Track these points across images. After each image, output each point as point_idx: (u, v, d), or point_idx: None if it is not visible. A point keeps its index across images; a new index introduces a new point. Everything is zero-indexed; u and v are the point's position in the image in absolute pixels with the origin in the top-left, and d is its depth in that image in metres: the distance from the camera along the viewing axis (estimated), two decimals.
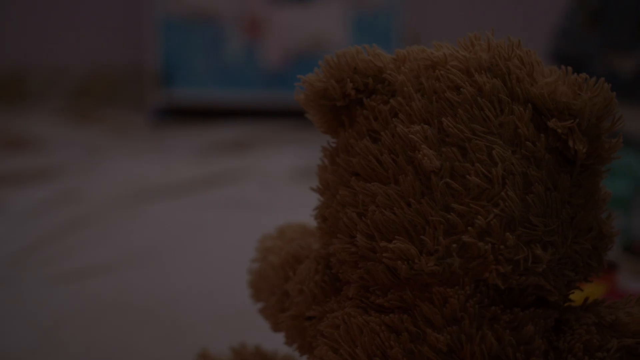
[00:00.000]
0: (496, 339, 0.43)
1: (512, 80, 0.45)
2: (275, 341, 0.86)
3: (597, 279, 0.54)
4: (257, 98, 2.54)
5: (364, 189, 0.46)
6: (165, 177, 1.70)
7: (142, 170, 1.79)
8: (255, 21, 2.49)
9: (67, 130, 2.34)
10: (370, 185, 0.46)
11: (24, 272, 1.09)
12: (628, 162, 1.34)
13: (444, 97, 0.45)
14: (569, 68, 0.45)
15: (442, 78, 0.46)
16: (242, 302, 0.99)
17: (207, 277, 1.08)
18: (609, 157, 0.45)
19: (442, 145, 0.44)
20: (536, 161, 0.44)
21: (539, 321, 0.44)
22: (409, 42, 2.45)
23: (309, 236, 0.61)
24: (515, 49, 0.46)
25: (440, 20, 2.86)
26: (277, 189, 1.63)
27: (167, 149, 2.10)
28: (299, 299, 0.52)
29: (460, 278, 0.43)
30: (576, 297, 0.64)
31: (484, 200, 0.43)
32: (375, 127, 0.47)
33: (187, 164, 1.86)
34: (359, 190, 0.46)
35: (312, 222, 1.06)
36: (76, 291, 1.01)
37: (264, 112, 2.64)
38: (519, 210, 0.43)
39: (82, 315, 0.93)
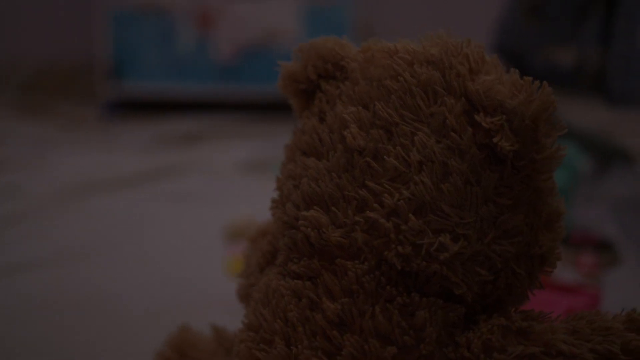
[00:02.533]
0: (386, 318, 0.43)
1: (451, 74, 0.46)
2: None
3: None
4: (209, 91, 2.53)
5: (303, 163, 0.48)
6: (111, 171, 1.69)
7: (88, 164, 1.77)
8: (207, 14, 2.48)
9: (16, 124, 2.31)
10: (307, 159, 0.48)
11: None
12: (568, 153, 1.36)
13: (383, 84, 0.47)
14: (515, 69, 0.46)
15: (386, 67, 0.47)
16: (176, 296, 0.99)
17: (144, 272, 1.07)
18: (547, 164, 0.45)
19: (372, 128, 0.46)
20: (460, 153, 0.44)
21: (437, 311, 0.44)
22: (361, 35, 2.47)
23: None
24: (464, 46, 0.47)
25: (393, 13, 2.87)
26: (223, 182, 1.63)
27: (116, 143, 2.08)
28: (252, 269, 0.56)
29: (363, 254, 0.45)
30: None
31: (399, 183, 0.44)
32: (324, 108, 0.49)
33: (134, 157, 1.85)
34: (299, 164, 0.48)
35: (259, 215, 1.05)
36: (5, 287, 1.00)
37: (216, 105, 2.63)
38: (432, 196, 0.43)
39: (10, 312, 0.92)
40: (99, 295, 0.98)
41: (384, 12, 2.84)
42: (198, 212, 1.39)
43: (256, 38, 2.48)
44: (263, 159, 1.80)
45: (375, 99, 0.46)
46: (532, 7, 1.51)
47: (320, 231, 0.45)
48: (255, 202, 1.47)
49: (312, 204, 0.46)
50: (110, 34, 2.48)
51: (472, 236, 0.44)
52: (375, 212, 0.44)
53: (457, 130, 0.44)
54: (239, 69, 2.50)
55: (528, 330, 0.44)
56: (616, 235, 1.26)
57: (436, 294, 0.45)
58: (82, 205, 1.43)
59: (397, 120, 0.45)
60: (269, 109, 2.62)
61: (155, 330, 0.87)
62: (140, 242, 1.22)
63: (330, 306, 0.44)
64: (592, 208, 1.43)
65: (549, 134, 0.44)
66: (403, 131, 0.45)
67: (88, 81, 2.74)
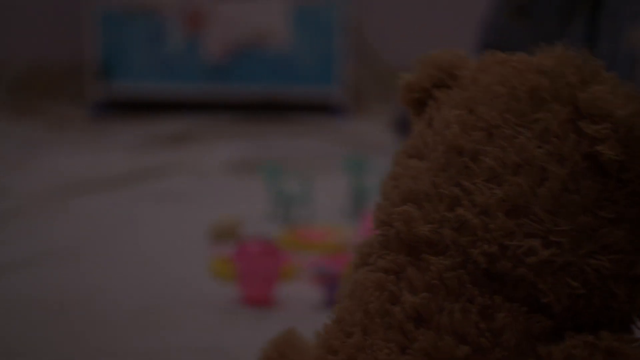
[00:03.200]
0: (464, 317, 0.43)
1: (561, 82, 0.46)
2: (192, 336, 0.86)
3: None
4: (198, 92, 2.53)
5: (405, 164, 0.49)
6: (99, 171, 1.69)
7: (76, 164, 1.77)
8: (196, 14, 2.48)
9: (5, 124, 2.31)
10: (410, 160, 0.49)
11: None
12: None
13: (491, 88, 0.47)
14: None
15: (496, 74, 0.48)
16: (160, 295, 0.99)
17: (129, 271, 1.07)
18: None
19: (474, 130, 0.46)
20: (561, 159, 0.43)
21: (519, 318, 0.43)
22: (350, 34, 2.46)
23: None
24: (579, 59, 0.48)
25: (382, 12, 2.88)
26: (209, 182, 1.63)
27: (105, 143, 2.08)
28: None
29: (449, 250, 0.45)
30: None
31: (494, 184, 0.44)
32: (433, 115, 0.50)
33: (122, 157, 1.85)
34: (402, 166, 0.50)
35: (244, 215, 1.05)
36: None
37: (205, 105, 2.63)
38: (526, 199, 0.43)
39: None
40: (83, 295, 0.98)
41: (374, 12, 2.84)
42: (184, 213, 1.40)
43: (245, 38, 2.49)
44: (250, 160, 1.80)
45: (481, 103, 0.47)
46: (518, 6, 1.51)
47: (411, 226, 0.46)
48: (241, 202, 1.48)
49: (407, 201, 0.47)
50: (99, 34, 2.48)
51: (565, 245, 0.43)
52: (465, 209, 0.44)
53: (559, 137, 0.44)
54: (228, 69, 2.51)
55: (618, 351, 0.42)
56: None
57: (522, 301, 0.44)
58: (69, 205, 1.43)
59: (499, 123, 0.45)
60: (257, 109, 2.62)
61: (138, 329, 0.88)
62: (126, 242, 1.22)
63: (409, 299, 0.44)
64: None
65: None
66: (504, 134, 0.45)
67: (77, 81, 2.74)
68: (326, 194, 1.51)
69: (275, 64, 2.50)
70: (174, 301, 0.97)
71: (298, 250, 1.19)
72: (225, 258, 1.10)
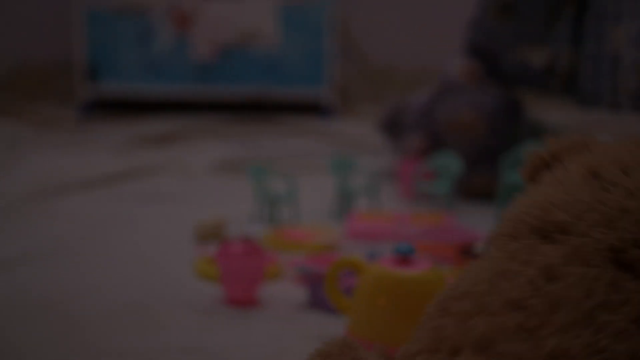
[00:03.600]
0: (595, 279, 0.46)
1: None
2: (174, 336, 0.86)
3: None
4: (186, 92, 2.53)
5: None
6: (85, 171, 1.68)
7: (63, 164, 1.77)
8: (184, 14, 2.48)
9: None
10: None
11: None
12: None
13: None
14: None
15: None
16: (143, 296, 0.98)
17: (112, 272, 1.06)
18: None
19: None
20: None
21: None
22: (338, 35, 2.46)
23: None
24: None
25: (369, 12, 2.88)
26: (195, 182, 1.63)
27: (92, 143, 2.07)
28: None
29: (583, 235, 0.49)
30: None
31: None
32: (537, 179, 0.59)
33: (109, 158, 1.84)
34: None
35: (229, 216, 1.03)
36: None
37: (192, 105, 2.63)
38: None
39: None
40: (65, 295, 0.97)
41: (361, 13, 2.84)
42: (170, 213, 1.39)
43: (234, 38, 2.48)
44: (237, 160, 1.80)
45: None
46: (504, 6, 1.51)
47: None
48: (227, 202, 1.48)
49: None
50: (88, 34, 2.47)
51: None
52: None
53: None
54: (216, 69, 2.50)
55: None
56: None
57: None
58: (54, 205, 1.43)
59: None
60: (245, 110, 2.62)
61: (119, 329, 0.87)
62: (110, 243, 1.21)
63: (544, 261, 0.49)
64: None
65: None
66: None
67: (65, 81, 2.74)
68: (312, 194, 1.51)
69: (263, 64, 2.50)
70: (157, 301, 0.96)
71: (284, 251, 1.18)
72: (210, 258, 1.09)
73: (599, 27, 1.34)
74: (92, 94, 2.51)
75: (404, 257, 0.84)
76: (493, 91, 1.53)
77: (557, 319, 0.45)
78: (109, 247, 1.19)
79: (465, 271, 0.54)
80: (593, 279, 0.47)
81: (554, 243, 0.50)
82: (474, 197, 1.51)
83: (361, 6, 2.86)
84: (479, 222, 1.32)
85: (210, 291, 1.00)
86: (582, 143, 0.61)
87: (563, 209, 0.52)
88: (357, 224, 1.29)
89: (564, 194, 0.54)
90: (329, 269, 0.88)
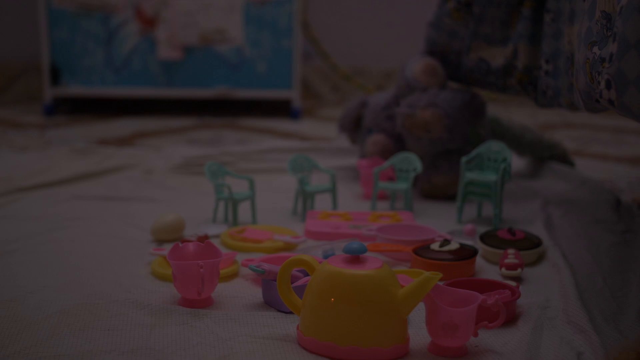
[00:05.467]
0: None
1: None
2: (122, 337, 0.85)
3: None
4: (151, 92, 2.51)
5: None
6: (45, 171, 1.66)
7: (24, 164, 1.74)
8: (150, 14, 2.46)
9: None
10: None
11: None
12: (498, 151, 1.37)
13: None
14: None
15: None
16: (92, 297, 0.97)
17: (63, 272, 1.04)
18: None
19: None
20: None
21: None
22: (305, 36, 2.45)
23: None
24: None
25: (330, 10, 2.88)
26: (156, 182, 1.61)
27: (55, 143, 2.05)
28: None
29: None
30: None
31: None
32: None
33: (70, 158, 1.82)
34: None
35: (185, 215, 1.02)
36: None
37: (158, 105, 2.61)
38: None
39: None
40: (15, 295, 0.96)
41: (323, 8, 2.85)
42: (129, 213, 1.38)
43: (199, 37, 2.47)
44: (200, 160, 1.79)
45: None
46: (464, 6, 1.51)
47: None
48: (187, 203, 1.47)
49: None
50: (52, 35, 2.45)
51: None
52: None
53: None
54: (180, 69, 2.49)
55: None
56: (544, 232, 1.27)
57: None
58: (12, 204, 1.41)
59: None
60: (210, 110, 2.61)
61: (67, 331, 0.86)
62: (66, 243, 1.20)
63: None
64: (524, 206, 1.45)
65: None
66: None
67: (30, 83, 2.71)
68: (273, 195, 1.51)
69: (229, 64, 2.49)
70: (108, 301, 0.95)
71: (242, 251, 1.18)
72: (164, 259, 1.08)
73: (555, 26, 1.35)
74: (57, 94, 2.49)
75: (354, 256, 0.84)
76: (453, 91, 1.53)
77: None
78: (65, 247, 1.18)
79: None
80: None
81: None
82: (433, 197, 1.51)
83: (328, 8, 2.86)
84: (438, 222, 1.33)
85: (163, 291, 1.00)
86: None
87: None
88: (316, 224, 1.29)
89: None
90: (280, 268, 0.88)
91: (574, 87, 1.13)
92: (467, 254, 1.10)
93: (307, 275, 0.98)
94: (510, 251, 1.12)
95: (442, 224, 1.32)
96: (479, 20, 1.51)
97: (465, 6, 1.53)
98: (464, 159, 1.37)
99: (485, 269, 1.13)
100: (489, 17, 1.51)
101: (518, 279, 1.07)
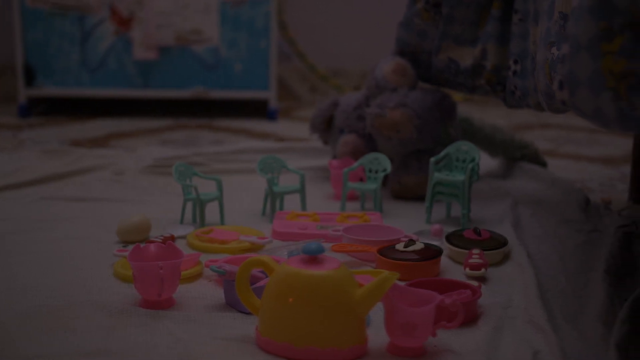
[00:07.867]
0: None
1: None
2: (82, 339, 0.84)
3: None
4: (127, 93, 2.50)
5: None
6: (15, 172, 1.65)
7: None
8: (125, 15, 2.45)
9: None
10: None
11: None
12: (466, 151, 1.37)
13: None
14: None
15: None
16: (53, 298, 0.96)
17: (25, 274, 1.04)
18: None
19: None
20: None
21: None
22: (281, 36, 2.45)
23: None
24: None
25: (308, 10, 2.88)
26: (127, 183, 1.60)
27: (28, 144, 2.04)
28: None
29: None
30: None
31: None
32: None
33: (42, 159, 1.81)
34: None
35: (151, 215, 1.01)
36: None
37: (133, 106, 2.60)
38: None
39: None
40: None
41: (300, 7, 2.84)
42: (97, 214, 1.37)
43: (175, 37, 2.46)
44: (170, 162, 1.78)
45: None
46: (432, 5, 1.51)
47: None
48: (156, 203, 1.46)
49: None
50: (27, 35, 2.43)
51: None
52: None
53: None
54: (156, 69, 2.48)
55: None
56: (512, 231, 1.27)
57: None
58: None
59: None
60: (185, 110, 2.60)
61: (25, 333, 0.85)
62: (31, 244, 1.19)
63: None
64: (494, 206, 1.45)
65: None
66: None
67: (4, 82, 2.69)
68: (242, 195, 1.50)
69: (205, 65, 2.48)
70: (69, 303, 0.94)
71: (208, 252, 1.17)
72: (127, 260, 1.08)
73: (523, 27, 1.35)
74: (31, 96, 2.47)
75: (312, 257, 0.84)
76: (423, 91, 1.53)
77: None
78: (29, 249, 1.17)
79: None
80: None
81: None
82: (403, 197, 1.51)
83: (299, 2, 2.86)
84: (407, 222, 1.33)
85: (125, 293, 0.99)
86: None
87: None
88: (283, 224, 1.29)
89: None
90: (239, 269, 0.87)
91: (537, 88, 1.13)
92: (431, 254, 1.10)
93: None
94: (475, 251, 1.12)
95: (411, 224, 1.32)
96: (448, 21, 1.51)
97: (434, 6, 1.53)
98: (432, 160, 1.37)
99: (451, 269, 1.13)
100: (459, 18, 1.51)
101: (482, 279, 1.08)
